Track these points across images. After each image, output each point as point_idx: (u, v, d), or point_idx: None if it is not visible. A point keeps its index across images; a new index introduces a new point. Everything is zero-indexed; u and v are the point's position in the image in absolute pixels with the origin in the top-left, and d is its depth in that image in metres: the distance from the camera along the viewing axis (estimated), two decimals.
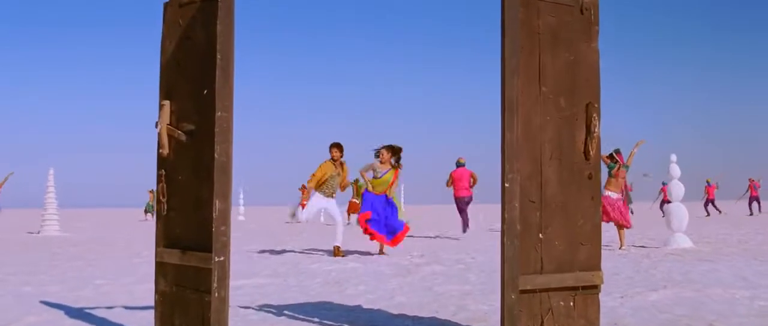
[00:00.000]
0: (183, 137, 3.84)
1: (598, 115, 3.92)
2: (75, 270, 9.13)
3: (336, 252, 10.85)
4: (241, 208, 37.85)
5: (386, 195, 10.94)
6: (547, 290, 3.75)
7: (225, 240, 3.49)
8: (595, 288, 3.93)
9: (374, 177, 10.93)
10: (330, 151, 11.13)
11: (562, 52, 3.87)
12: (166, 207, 3.94)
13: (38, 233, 20.35)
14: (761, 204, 31.86)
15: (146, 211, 36.76)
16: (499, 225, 17.36)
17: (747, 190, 31.24)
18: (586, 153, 3.90)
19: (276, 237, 16.84)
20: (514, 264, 3.54)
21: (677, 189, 11.63)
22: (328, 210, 11.35)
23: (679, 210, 11.47)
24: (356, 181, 24.48)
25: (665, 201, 30.56)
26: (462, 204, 15.83)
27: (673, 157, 11.76)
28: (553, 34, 3.84)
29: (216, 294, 3.47)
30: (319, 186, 11.13)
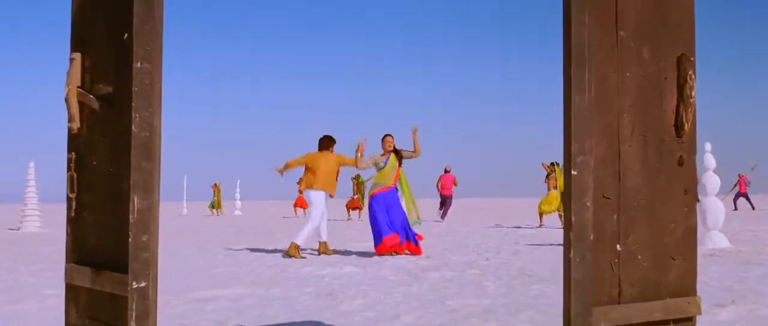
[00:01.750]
0: (95, 104, 2.65)
1: (694, 72, 2.73)
2: (33, 274, 7.96)
3: (292, 250, 9.68)
4: (238, 203, 36.74)
5: (395, 188, 9.88)
6: None
7: (147, 257, 2.30)
8: (689, 320, 2.75)
9: (379, 170, 9.89)
10: (330, 145, 10.11)
11: None
12: (74, 206, 2.75)
13: (18, 230, 19.20)
14: (751, 200, 30.40)
15: None
16: (504, 222, 16.23)
17: (736, 185, 29.87)
18: (678, 126, 2.71)
19: (269, 234, 15.68)
20: (584, 292, 2.36)
21: (712, 181, 10.41)
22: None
23: (715, 206, 10.27)
24: (357, 177, 23.41)
25: None
26: (445, 200, 21.72)
27: (708, 146, 10.54)
28: None
29: None
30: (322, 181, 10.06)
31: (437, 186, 21.65)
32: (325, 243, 10.15)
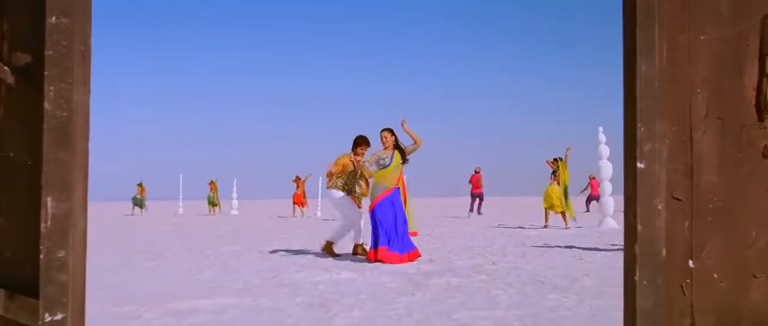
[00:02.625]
0: (11, 78, 2.04)
1: None
2: None
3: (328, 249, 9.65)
4: (235, 202, 36.08)
5: (398, 188, 9.09)
6: None
7: (65, 280, 1.71)
8: None
9: (383, 168, 8.93)
10: (356, 146, 9.54)
11: None
12: None
13: None
14: None
15: (134, 205, 34.99)
16: (507, 221, 15.39)
17: None
18: (760, 108, 2.12)
19: (264, 236, 15.07)
20: (654, 325, 1.76)
21: None
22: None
23: None
24: None
25: (592, 197, 28.33)
26: (475, 197, 25.37)
27: None
28: None
29: None
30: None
31: (469, 183, 25.42)
32: (332, 242, 9.73)
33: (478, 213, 25.53)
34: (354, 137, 9.60)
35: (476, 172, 25.50)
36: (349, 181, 9.71)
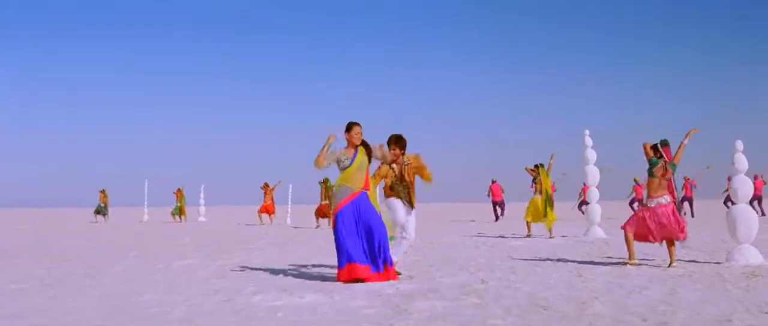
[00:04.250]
0: None
1: None
2: None
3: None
4: (202, 209, 34.71)
5: (366, 194, 7.67)
6: None
7: None
8: None
9: (343, 169, 7.59)
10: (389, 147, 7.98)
11: None
12: None
13: None
14: (693, 206, 28.29)
15: (97, 212, 33.42)
16: (487, 230, 14.03)
17: (682, 189, 27.82)
18: None
19: (227, 246, 13.87)
20: None
21: (745, 186, 8.85)
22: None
23: (748, 215, 8.71)
24: (326, 181, 21.69)
25: (584, 202, 26.68)
26: (497, 205, 26.94)
27: (739, 145, 8.99)
28: None
29: None
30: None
31: (488, 194, 27.11)
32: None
33: (501, 215, 27.01)
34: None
35: (494, 182, 27.23)
36: (395, 187, 8.20)
